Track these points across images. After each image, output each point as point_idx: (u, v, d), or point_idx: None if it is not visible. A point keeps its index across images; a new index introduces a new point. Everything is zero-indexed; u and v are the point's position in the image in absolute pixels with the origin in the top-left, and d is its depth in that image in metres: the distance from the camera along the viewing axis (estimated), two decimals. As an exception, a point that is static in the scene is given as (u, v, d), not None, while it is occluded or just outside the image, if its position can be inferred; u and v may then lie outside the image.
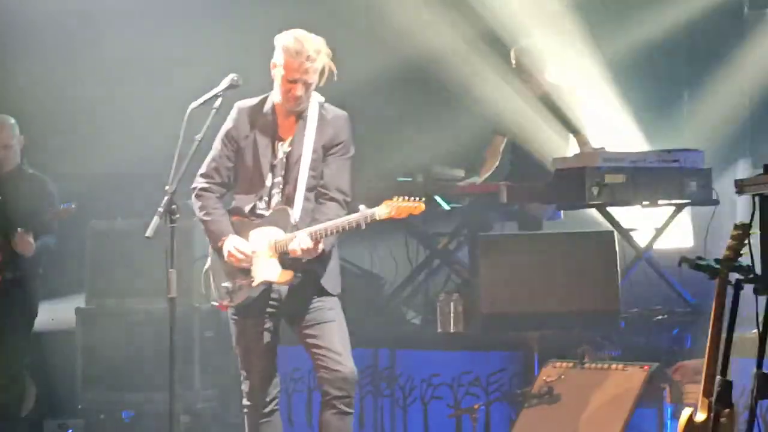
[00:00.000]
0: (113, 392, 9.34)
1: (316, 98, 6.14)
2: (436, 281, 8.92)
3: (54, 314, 9.38)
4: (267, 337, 6.15)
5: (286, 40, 6.01)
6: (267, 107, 6.15)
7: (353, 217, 5.88)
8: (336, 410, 6.04)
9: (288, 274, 6.02)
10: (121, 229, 9.38)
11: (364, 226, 5.88)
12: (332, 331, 6.07)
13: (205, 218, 6.15)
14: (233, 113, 6.18)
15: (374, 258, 9.07)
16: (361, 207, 5.88)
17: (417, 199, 5.89)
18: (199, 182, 6.19)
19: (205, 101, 6.06)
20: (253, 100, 6.18)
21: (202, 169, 6.20)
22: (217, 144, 6.19)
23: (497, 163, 9.10)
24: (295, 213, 6.02)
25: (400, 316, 8.83)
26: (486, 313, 7.81)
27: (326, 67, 6.03)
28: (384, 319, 8.65)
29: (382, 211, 5.85)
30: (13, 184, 8.53)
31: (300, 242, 5.91)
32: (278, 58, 6.02)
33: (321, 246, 5.95)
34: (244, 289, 6.09)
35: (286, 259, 6.00)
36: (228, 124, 6.19)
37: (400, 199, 5.88)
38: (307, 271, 6.05)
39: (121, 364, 9.25)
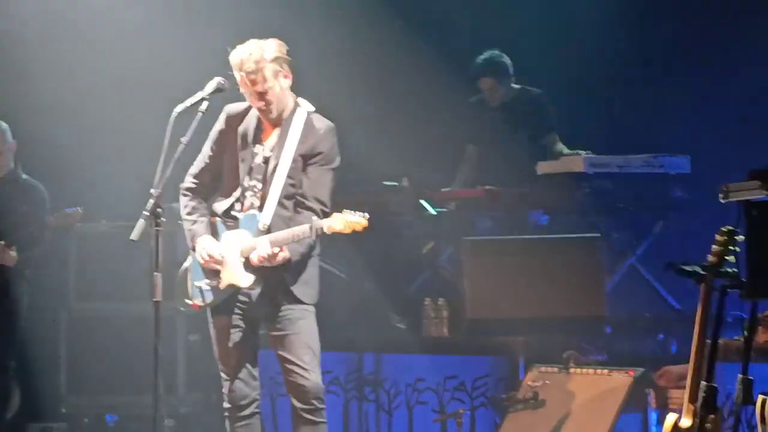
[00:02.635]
0: (97, 396, 9.31)
1: (306, 107, 6.19)
2: (421, 286, 8.91)
3: (39, 317, 9.35)
4: (242, 338, 6.18)
5: (231, 58, 6.08)
6: (253, 111, 6.19)
7: (303, 227, 5.93)
8: (306, 422, 6.14)
9: (251, 279, 6.04)
10: (106, 233, 9.37)
11: (314, 237, 5.95)
12: (299, 343, 6.11)
13: (186, 218, 6.24)
14: (221, 116, 6.26)
15: (359, 262, 9.05)
16: (314, 218, 5.93)
17: (362, 215, 5.90)
18: (187, 182, 6.28)
19: (191, 105, 6.07)
20: (242, 105, 6.22)
21: (192, 169, 6.29)
22: (206, 145, 6.28)
23: (472, 171, 9.06)
24: (264, 218, 6.04)
25: (386, 320, 8.82)
26: (471, 318, 7.81)
27: (277, 71, 6.04)
28: (369, 324, 8.64)
29: (330, 223, 5.90)
30: (5, 190, 8.51)
31: (258, 249, 5.94)
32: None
33: (284, 254, 5.95)
34: (214, 290, 6.14)
35: (248, 263, 6.03)
36: (216, 127, 6.27)
37: (348, 213, 5.89)
38: (275, 278, 6.06)
39: (105, 367, 9.22)
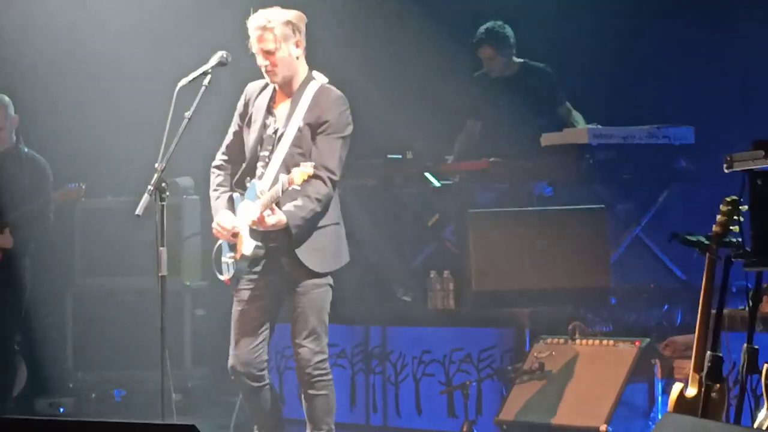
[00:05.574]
0: (104, 371, 9.34)
1: (320, 79, 6.23)
2: (426, 258, 8.92)
3: (44, 293, 9.36)
4: (258, 310, 6.24)
5: (249, 19, 6.15)
6: (270, 86, 6.27)
7: (277, 186, 5.94)
8: (312, 391, 6.25)
9: (251, 246, 6.10)
10: (111, 208, 9.37)
11: (281, 193, 5.92)
12: (302, 320, 6.19)
13: (211, 194, 6.37)
14: (244, 91, 6.36)
15: (365, 235, 9.05)
16: (281, 176, 5.94)
17: (306, 163, 5.91)
18: (216, 159, 6.41)
19: (194, 79, 6.07)
20: (262, 81, 6.33)
21: (221, 147, 6.40)
22: (232, 122, 6.39)
23: (470, 145, 9.03)
24: (260, 185, 6.10)
25: (391, 293, 8.82)
26: (477, 290, 7.81)
27: (287, 35, 6.09)
28: (375, 297, 8.65)
29: (290, 176, 5.88)
30: (6, 165, 8.50)
31: (249, 213, 6.04)
32: None
33: (277, 217, 5.98)
34: (233, 262, 6.22)
35: (253, 232, 6.10)
36: (239, 102, 6.38)
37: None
38: (279, 245, 6.11)
39: (111, 342, 9.24)
